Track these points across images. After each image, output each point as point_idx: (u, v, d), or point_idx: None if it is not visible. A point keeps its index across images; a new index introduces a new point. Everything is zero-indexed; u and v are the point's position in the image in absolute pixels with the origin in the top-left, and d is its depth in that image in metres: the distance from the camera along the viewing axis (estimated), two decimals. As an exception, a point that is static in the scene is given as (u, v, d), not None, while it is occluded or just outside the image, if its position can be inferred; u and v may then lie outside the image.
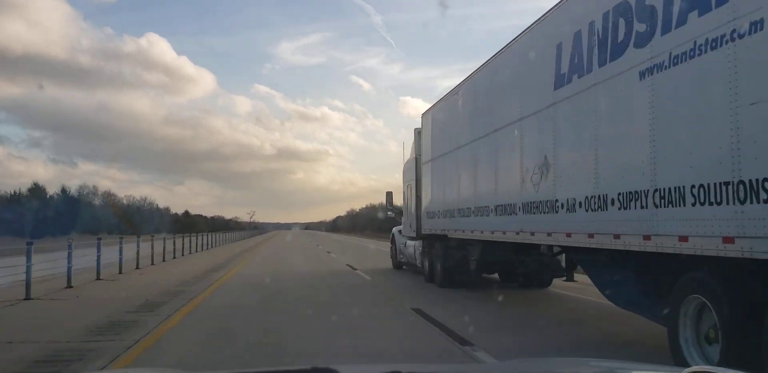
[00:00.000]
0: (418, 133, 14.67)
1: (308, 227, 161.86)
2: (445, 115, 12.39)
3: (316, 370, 1.83)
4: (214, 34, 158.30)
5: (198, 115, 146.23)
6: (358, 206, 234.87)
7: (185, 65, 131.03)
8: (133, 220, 66.72)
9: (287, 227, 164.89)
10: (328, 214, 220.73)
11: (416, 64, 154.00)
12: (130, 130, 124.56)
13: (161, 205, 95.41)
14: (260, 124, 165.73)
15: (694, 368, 1.73)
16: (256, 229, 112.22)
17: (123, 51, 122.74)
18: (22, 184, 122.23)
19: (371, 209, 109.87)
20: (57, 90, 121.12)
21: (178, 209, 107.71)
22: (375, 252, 26.14)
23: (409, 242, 15.28)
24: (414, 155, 14.64)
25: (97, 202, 72.96)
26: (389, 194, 17.37)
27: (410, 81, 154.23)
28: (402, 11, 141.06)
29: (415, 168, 14.35)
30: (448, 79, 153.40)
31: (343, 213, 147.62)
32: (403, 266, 16.79)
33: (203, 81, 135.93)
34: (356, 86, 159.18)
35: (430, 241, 12.98)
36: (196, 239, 29.26)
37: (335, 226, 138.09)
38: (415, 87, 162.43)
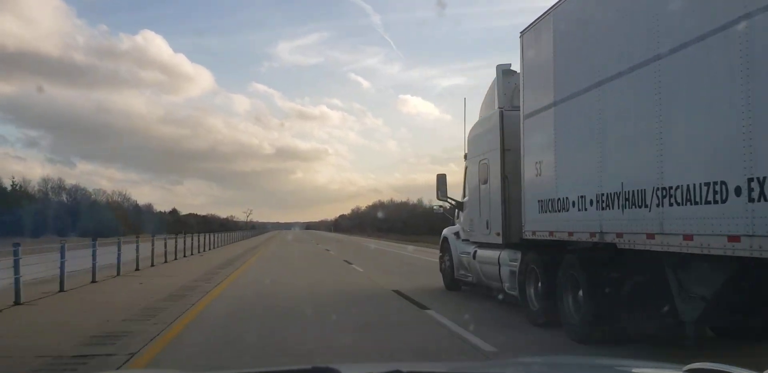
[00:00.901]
0: (504, 72, 8.99)
1: (309, 226, 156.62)
2: (585, 21, 6.63)
3: (317, 369, 1.88)
4: (210, 33, 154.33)
5: (196, 113, 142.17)
6: (355, 205, 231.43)
7: (183, 63, 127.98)
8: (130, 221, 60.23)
9: (287, 226, 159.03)
10: (328, 213, 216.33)
11: (415, 63, 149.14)
12: (127, 129, 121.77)
13: (142, 203, 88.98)
14: (259, 123, 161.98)
15: (695, 364, 1.83)
16: (253, 228, 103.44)
17: (119, 48, 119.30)
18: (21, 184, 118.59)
19: (373, 208, 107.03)
20: (52, 88, 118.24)
21: (180, 208, 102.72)
22: (403, 260, 21.79)
23: (484, 253, 9.58)
24: (497, 109, 8.94)
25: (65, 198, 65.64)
26: (442, 178, 11.40)
27: (409, 81, 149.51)
28: (400, 11, 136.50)
29: (500, 130, 8.68)
30: (446, 78, 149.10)
31: (347, 212, 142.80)
32: (462, 286, 11.19)
33: (201, 79, 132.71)
34: (355, 85, 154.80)
35: (546, 253, 7.28)
36: (175, 242, 23.39)
37: (337, 225, 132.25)
38: (413, 87, 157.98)
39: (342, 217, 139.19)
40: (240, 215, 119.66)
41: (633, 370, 2.29)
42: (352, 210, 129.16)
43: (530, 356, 4.54)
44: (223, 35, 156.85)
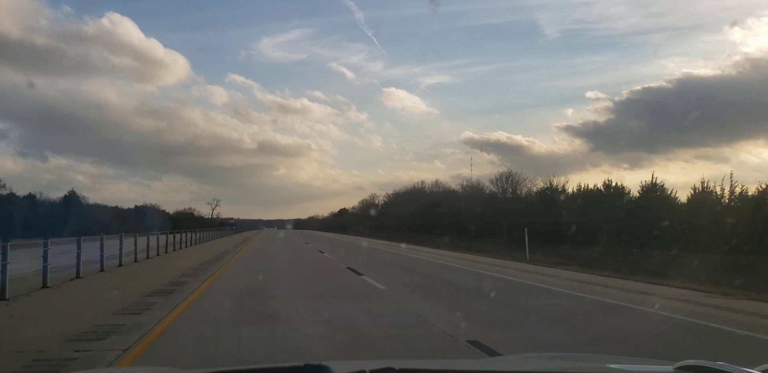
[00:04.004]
0: None
1: (299, 224, 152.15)
2: None
3: (309, 367, 1.92)
4: (191, 26, 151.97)
5: (173, 105, 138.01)
6: (339, 202, 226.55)
7: (156, 48, 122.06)
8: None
9: (269, 224, 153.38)
10: (313, 210, 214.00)
11: (398, 61, 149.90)
12: (100, 121, 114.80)
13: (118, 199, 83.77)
14: (238, 115, 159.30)
15: (687, 361, 1.90)
16: (225, 226, 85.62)
17: (85, 32, 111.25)
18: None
19: (366, 205, 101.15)
20: (16, 76, 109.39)
21: (162, 205, 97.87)
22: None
23: None
24: None
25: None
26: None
27: (393, 78, 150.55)
28: (385, 8, 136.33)
29: None
30: (429, 77, 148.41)
31: (333, 209, 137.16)
32: None
33: (177, 68, 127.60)
34: (339, 81, 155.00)
35: None
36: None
37: (325, 224, 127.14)
38: (397, 84, 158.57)
39: (334, 214, 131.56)
40: (229, 212, 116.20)
41: (624, 367, 2.33)
42: (352, 207, 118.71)
43: (523, 354, 4.58)
44: (202, 27, 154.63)
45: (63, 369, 5.65)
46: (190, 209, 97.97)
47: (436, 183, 75.64)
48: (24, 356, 6.14)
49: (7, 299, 10.76)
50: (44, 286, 12.63)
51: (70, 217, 46.92)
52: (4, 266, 10.99)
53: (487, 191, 54.49)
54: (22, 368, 5.72)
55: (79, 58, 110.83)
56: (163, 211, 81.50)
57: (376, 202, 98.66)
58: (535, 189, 45.55)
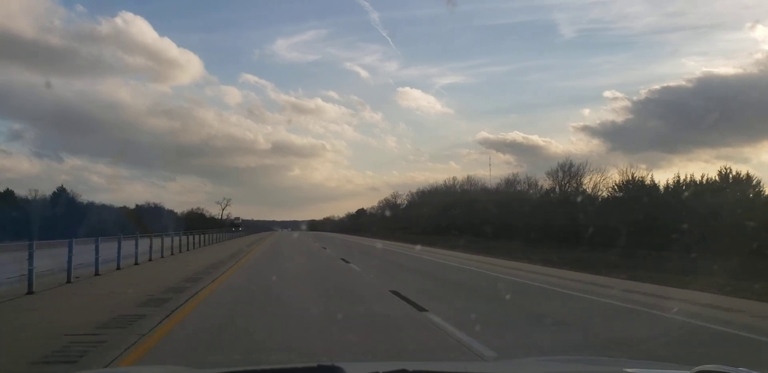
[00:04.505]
0: None
1: (313, 225, 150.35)
2: None
3: (322, 367, 1.89)
4: (204, 27, 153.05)
5: (187, 105, 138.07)
6: (354, 203, 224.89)
7: (170, 48, 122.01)
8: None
9: (284, 225, 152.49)
10: (327, 212, 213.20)
11: (413, 62, 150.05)
12: (114, 122, 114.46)
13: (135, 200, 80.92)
14: (252, 116, 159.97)
15: (704, 366, 1.83)
16: (236, 227, 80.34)
17: (98, 31, 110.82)
18: (9, 180, 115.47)
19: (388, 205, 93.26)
20: (31, 76, 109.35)
21: (175, 207, 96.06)
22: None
23: None
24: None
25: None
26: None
27: (408, 79, 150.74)
28: (399, 8, 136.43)
29: None
30: (444, 77, 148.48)
31: (350, 210, 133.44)
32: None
33: (191, 68, 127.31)
34: (353, 81, 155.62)
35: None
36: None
37: (341, 225, 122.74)
38: (412, 85, 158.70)
39: (351, 216, 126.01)
40: (243, 213, 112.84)
41: (641, 371, 2.30)
42: (370, 208, 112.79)
43: (537, 357, 4.49)
44: (215, 28, 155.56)
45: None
46: (198, 208, 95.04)
47: (468, 180, 67.76)
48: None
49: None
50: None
51: (61, 216, 46.00)
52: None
53: (541, 187, 46.66)
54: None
55: (93, 58, 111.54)
56: (170, 210, 78.76)
57: (398, 202, 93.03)
58: (608, 183, 38.39)
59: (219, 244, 42.32)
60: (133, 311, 9.23)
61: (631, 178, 35.39)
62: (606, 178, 39.56)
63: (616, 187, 36.39)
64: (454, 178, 70.96)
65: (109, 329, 7.71)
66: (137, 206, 72.96)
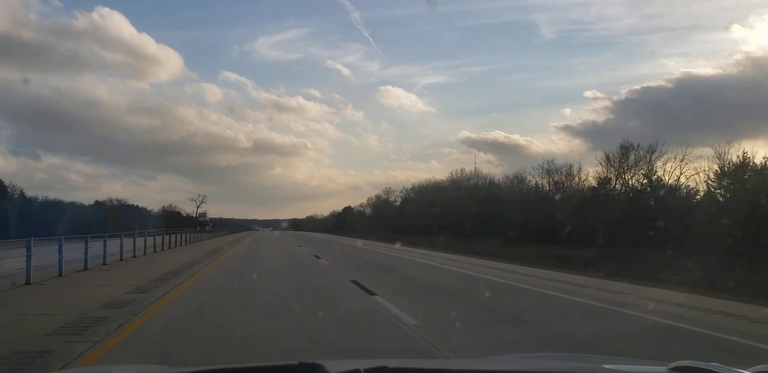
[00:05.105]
0: None
1: (296, 225, 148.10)
2: None
3: (303, 365, 1.90)
4: (185, 24, 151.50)
5: (166, 103, 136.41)
6: (335, 202, 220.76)
7: (148, 44, 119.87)
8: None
9: (265, 224, 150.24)
10: (309, 210, 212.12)
11: (394, 61, 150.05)
12: (92, 119, 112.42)
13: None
14: (233, 114, 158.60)
15: (680, 362, 1.91)
16: (203, 226, 67.17)
17: (75, 26, 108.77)
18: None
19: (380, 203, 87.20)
20: (6, 71, 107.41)
21: (153, 205, 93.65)
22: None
23: None
24: None
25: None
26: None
27: (389, 78, 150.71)
28: (381, 8, 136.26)
29: None
30: (426, 77, 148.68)
31: (334, 209, 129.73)
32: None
33: (170, 64, 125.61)
34: (335, 79, 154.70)
35: None
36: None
37: (325, 225, 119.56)
38: (394, 84, 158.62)
39: (337, 214, 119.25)
40: (224, 212, 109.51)
41: (618, 367, 2.31)
42: (359, 205, 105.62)
43: (518, 354, 4.46)
44: (196, 25, 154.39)
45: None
46: (171, 206, 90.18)
47: (476, 172, 60.46)
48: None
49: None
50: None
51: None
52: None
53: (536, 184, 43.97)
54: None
55: (69, 53, 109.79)
56: (139, 207, 74.52)
57: (391, 199, 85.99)
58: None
59: (187, 246, 35.28)
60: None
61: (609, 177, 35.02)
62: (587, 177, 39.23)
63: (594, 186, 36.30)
64: (462, 170, 63.33)
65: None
66: (96, 202, 67.46)
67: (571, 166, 41.15)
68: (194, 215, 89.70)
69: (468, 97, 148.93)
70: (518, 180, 49.02)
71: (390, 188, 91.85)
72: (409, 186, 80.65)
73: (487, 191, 50.03)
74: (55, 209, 55.42)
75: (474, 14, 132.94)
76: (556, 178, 41.76)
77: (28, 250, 12.87)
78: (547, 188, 42.16)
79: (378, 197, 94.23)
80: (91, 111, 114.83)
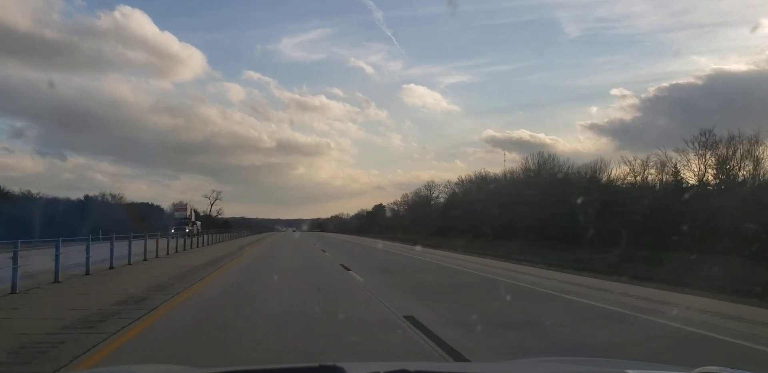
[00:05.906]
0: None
1: (321, 225, 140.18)
2: None
3: (323, 367, 1.87)
4: (206, 24, 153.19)
5: (189, 102, 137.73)
6: (359, 202, 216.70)
7: (171, 46, 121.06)
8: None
9: (288, 224, 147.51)
10: (332, 210, 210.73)
11: (418, 61, 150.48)
12: (116, 119, 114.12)
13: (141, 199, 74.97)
14: (256, 113, 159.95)
15: (705, 368, 1.82)
16: (179, 228, 47.62)
17: (98, 26, 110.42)
18: (13, 179, 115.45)
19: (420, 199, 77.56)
20: (30, 72, 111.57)
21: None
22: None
23: None
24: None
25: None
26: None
27: (412, 77, 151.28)
28: (403, 7, 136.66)
29: None
30: (449, 76, 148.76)
31: (357, 209, 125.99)
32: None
33: (193, 63, 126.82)
34: (358, 78, 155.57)
35: None
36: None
37: (351, 226, 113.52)
38: (417, 83, 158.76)
39: (367, 213, 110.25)
40: (247, 212, 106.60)
41: (640, 372, 2.27)
42: (393, 203, 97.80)
43: (539, 358, 4.41)
44: (220, 26, 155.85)
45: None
46: (180, 202, 78.33)
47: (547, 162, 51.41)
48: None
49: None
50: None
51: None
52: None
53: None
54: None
55: (92, 52, 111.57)
56: (155, 206, 70.99)
57: (433, 194, 75.76)
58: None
59: (194, 251, 30.89)
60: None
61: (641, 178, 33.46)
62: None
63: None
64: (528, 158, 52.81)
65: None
66: (88, 197, 66.30)
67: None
68: (209, 214, 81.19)
69: (492, 96, 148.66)
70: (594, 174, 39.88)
71: (433, 182, 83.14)
72: (454, 180, 69.03)
73: (561, 186, 39.69)
74: (77, 208, 55.48)
75: (496, 13, 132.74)
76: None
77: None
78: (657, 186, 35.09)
79: (417, 193, 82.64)
80: (115, 111, 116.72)
